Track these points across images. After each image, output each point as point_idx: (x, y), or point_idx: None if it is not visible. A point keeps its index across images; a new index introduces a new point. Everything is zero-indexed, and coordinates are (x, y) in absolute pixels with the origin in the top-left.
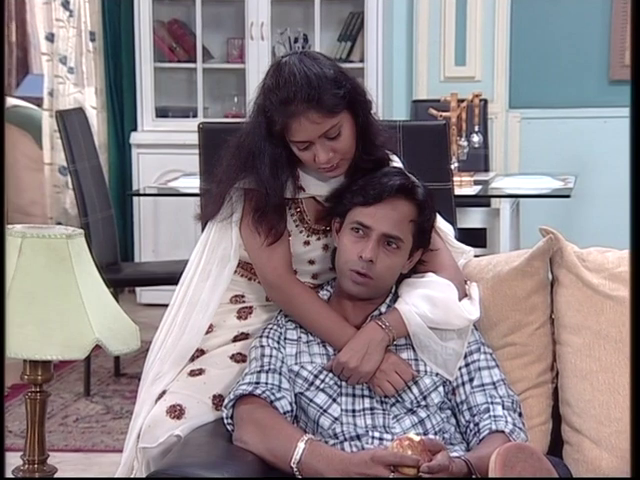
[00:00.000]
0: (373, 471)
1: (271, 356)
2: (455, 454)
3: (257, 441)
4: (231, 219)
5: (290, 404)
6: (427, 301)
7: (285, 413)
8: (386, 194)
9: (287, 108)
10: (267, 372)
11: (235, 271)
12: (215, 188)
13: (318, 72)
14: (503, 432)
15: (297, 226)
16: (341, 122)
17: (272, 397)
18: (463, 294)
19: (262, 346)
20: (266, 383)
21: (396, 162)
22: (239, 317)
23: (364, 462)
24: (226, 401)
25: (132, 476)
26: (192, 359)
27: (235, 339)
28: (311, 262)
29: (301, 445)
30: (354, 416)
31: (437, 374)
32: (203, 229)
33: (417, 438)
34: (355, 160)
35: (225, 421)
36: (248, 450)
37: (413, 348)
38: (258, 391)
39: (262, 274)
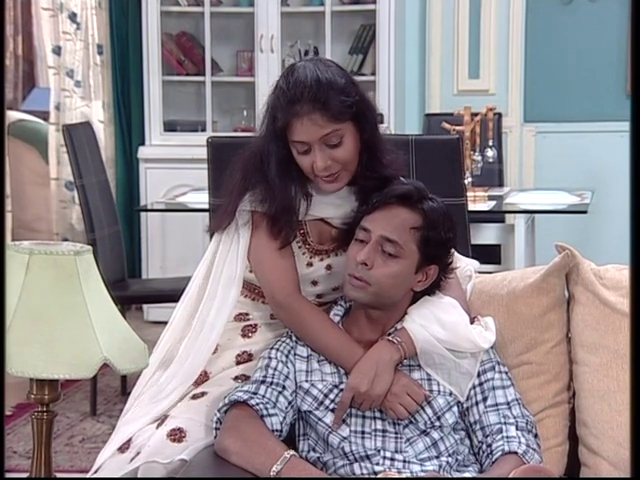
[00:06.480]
0: None
1: (275, 369)
2: (468, 475)
3: (237, 450)
4: (238, 239)
5: (281, 424)
6: (435, 321)
7: (274, 431)
8: (388, 199)
9: (293, 107)
10: (268, 385)
11: (240, 292)
12: (227, 196)
13: (329, 78)
14: (516, 453)
15: (300, 247)
16: (344, 131)
17: (264, 411)
18: (467, 314)
19: (270, 357)
20: (263, 396)
21: None
22: (244, 335)
23: None
24: (220, 404)
25: None
26: (196, 383)
27: (238, 358)
28: (314, 283)
29: (286, 456)
30: (363, 437)
31: (451, 393)
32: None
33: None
34: (356, 176)
35: (213, 425)
36: (225, 459)
37: None
38: (253, 401)
39: (270, 294)
